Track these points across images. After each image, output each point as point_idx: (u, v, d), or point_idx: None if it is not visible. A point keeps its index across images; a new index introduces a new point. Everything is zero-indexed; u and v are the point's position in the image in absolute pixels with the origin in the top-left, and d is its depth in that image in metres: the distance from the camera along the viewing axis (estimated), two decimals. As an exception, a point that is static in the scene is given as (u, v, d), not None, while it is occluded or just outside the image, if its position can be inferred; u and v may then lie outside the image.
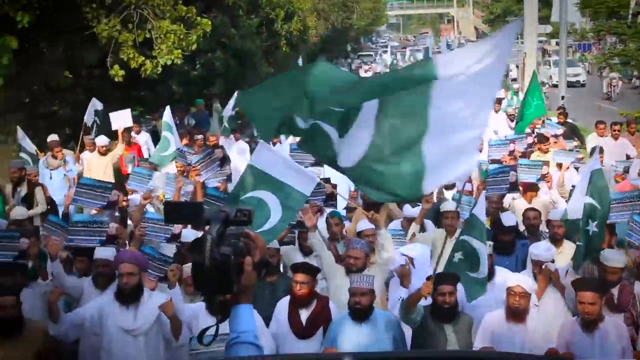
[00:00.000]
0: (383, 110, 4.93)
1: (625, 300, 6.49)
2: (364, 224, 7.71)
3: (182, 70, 17.91)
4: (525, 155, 11.86)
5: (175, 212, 2.66)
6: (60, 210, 10.64)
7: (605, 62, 22.72)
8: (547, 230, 8.38)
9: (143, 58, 11.45)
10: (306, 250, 7.56)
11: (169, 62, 11.40)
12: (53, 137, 12.94)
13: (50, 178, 12.22)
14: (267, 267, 6.61)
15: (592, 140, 13.64)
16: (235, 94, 17.16)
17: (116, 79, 11.80)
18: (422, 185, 4.99)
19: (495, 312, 6.34)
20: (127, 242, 7.78)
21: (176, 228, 7.81)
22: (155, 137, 15.95)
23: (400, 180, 5.07)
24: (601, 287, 6.14)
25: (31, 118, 18.48)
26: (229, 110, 16.57)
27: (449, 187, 10.26)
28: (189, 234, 7.61)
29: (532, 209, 8.78)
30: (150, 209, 9.16)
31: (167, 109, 12.74)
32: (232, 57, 18.78)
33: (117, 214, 8.83)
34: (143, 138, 15.66)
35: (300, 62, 21.63)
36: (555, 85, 29.59)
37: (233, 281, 2.46)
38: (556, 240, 7.68)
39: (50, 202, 11.11)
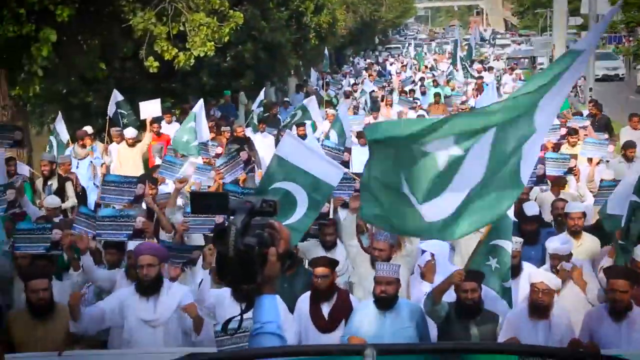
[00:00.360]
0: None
1: None
2: None
3: (212, 63, 18.22)
4: (558, 147, 11.76)
5: (201, 202, 2.70)
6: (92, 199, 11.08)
7: (635, 53, 22.63)
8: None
9: (177, 50, 11.76)
10: (327, 245, 7.58)
11: (202, 54, 11.71)
12: (85, 129, 13.30)
13: (77, 167, 12.46)
14: (292, 259, 6.43)
15: (625, 133, 13.45)
16: (263, 89, 17.63)
17: (150, 70, 12.12)
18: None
19: (518, 307, 6.35)
20: (153, 235, 7.78)
21: (219, 218, 7.72)
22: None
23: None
24: (634, 276, 6.08)
25: (66, 109, 19.01)
26: (257, 104, 16.91)
27: None
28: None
29: (561, 199, 8.73)
30: (179, 201, 9.28)
31: (201, 101, 13.03)
32: (262, 49, 19.04)
33: (144, 206, 8.84)
34: (174, 128, 15.63)
35: (326, 53, 21.94)
36: (598, 79, 28.95)
37: (257, 271, 2.46)
38: (575, 233, 7.63)
39: (81, 191, 11.29)
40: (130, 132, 13.31)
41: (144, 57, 12.09)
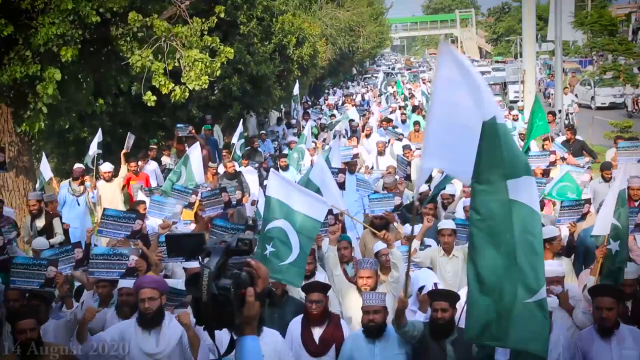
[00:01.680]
0: None
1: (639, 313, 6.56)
2: (380, 244, 7.78)
3: (201, 96, 19.03)
4: (547, 173, 11.89)
5: (176, 244, 2.61)
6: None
7: (599, 77, 23.81)
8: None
9: (173, 84, 12.56)
10: (306, 275, 7.37)
11: (197, 88, 12.51)
12: (78, 166, 13.67)
13: (78, 204, 12.90)
14: (271, 297, 6.76)
15: (610, 155, 13.70)
16: (241, 121, 18.04)
17: (149, 104, 12.86)
18: None
19: None
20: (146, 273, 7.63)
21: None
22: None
23: None
24: (619, 293, 6.15)
25: (62, 145, 19.71)
26: (237, 137, 17.18)
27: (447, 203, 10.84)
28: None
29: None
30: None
31: (197, 144, 13.47)
32: (248, 81, 19.84)
33: (138, 241, 8.90)
34: (151, 167, 16.04)
35: (297, 85, 22.68)
36: (604, 107, 28.73)
37: (234, 314, 2.38)
38: (553, 255, 7.81)
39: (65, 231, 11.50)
40: (105, 167, 13.73)
41: (142, 92, 12.81)
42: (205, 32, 12.90)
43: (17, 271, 7.11)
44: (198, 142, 14.52)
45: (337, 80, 49.79)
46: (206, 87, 12.70)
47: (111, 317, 6.74)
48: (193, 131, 16.99)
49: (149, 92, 12.69)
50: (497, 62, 67.50)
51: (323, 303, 6.47)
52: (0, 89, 12.00)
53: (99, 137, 14.93)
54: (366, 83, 52.90)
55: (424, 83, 37.58)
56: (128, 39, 12.52)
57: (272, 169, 8.37)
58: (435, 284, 7.01)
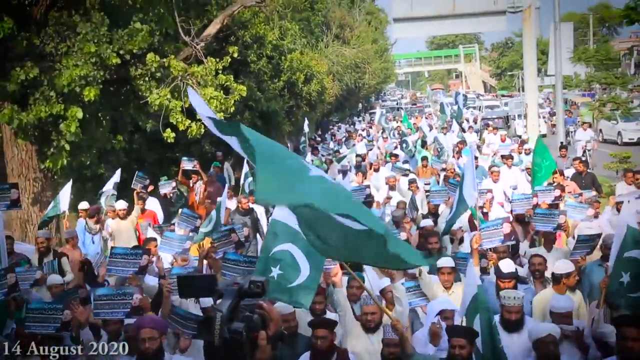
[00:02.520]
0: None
1: None
2: (385, 281, 7.76)
3: (209, 132, 19.68)
4: (556, 207, 11.67)
5: (189, 286, 2.62)
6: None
7: (598, 109, 24.43)
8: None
9: (189, 121, 13.17)
10: (316, 314, 7.47)
11: (212, 124, 13.11)
12: (83, 205, 13.77)
13: (93, 242, 13.00)
14: (282, 340, 6.80)
15: (620, 188, 13.82)
16: (245, 159, 18.42)
17: (168, 140, 13.45)
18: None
19: None
20: (151, 311, 7.77)
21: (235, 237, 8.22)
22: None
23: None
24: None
25: (79, 181, 20.31)
26: (244, 176, 17.18)
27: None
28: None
29: (537, 255, 8.90)
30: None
31: (224, 197, 13.03)
32: (258, 117, 20.52)
33: (146, 279, 8.97)
34: (152, 204, 15.91)
35: (306, 125, 23.09)
36: (632, 143, 27.04)
37: (246, 357, 2.37)
38: (567, 289, 7.83)
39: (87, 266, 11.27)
40: (120, 205, 13.68)
41: (159, 129, 13.41)
42: (220, 71, 13.54)
43: (33, 316, 7.02)
44: (226, 189, 14.66)
45: (344, 115, 50.57)
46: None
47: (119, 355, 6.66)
48: (198, 165, 17.14)
49: (169, 129, 13.27)
50: (502, 96, 68.10)
51: (329, 339, 6.53)
52: (25, 128, 12.53)
53: (116, 177, 15.13)
54: (371, 118, 53.67)
55: (426, 118, 38.02)
56: (146, 78, 13.14)
57: None
58: (453, 311, 7.13)
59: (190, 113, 13.50)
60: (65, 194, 13.04)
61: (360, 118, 54.40)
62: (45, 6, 12.76)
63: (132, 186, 14.90)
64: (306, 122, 23.14)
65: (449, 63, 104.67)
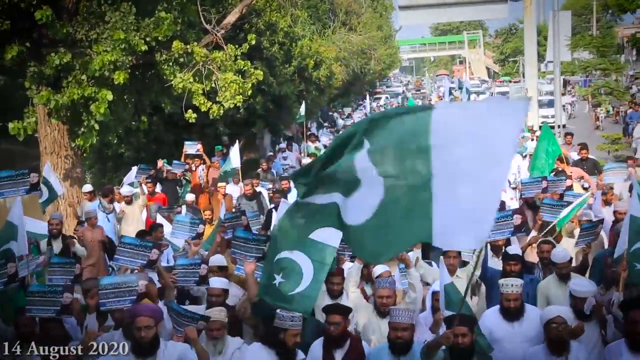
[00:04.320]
0: (380, 163, 4.83)
1: None
2: (381, 267, 7.69)
3: (227, 114, 20.73)
4: (562, 197, 11.49)
5: None
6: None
7: (592, 94, 25.37)
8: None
9: (210, 103, 14.21)
10: (334, 294, 7.45)
11: (232, 106, 14.17)
12: (87, 188, 14.08)
13: (108, 221, 13.20)
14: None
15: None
16: (237, 142, 17.91)
17: (190, 121, 14.50)
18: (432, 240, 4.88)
19: (533, 349, 6.42)
20: (158, 299, 7.65)
21: (203, 270, 8.02)
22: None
23: (409, 240, 5.08)
24: None
25: (101, 160, 21.43)
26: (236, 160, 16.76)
27: None
28: (217, 281, 7.56)
29: (546, 241, 8.89)
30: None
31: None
32: (271, 101, 21.61)
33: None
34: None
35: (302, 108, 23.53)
36: None
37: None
38: (563, 277, 7.77)
39: (108, 243, 11.86)
40: (125, 190, 14.00)
41: (182, 110, 14.46)
42: (238, 57, 14.56)
43: (33, 299, 6.95)
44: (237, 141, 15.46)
45: (348, 100, 51.41)
46: (240, 105, 14.28)
47: (119, 338, 6.63)
48: (201, 149, 17.46)
49: (190, 110, 14.30)
50: (509, 82, 68.56)
51: (342, 325, 6.48)
52: (59, 108, 13.54)
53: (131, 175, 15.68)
54: (377, 104, 54.40)
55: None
56: (170, 63, 14.15)
57: (283, 199, 8.27)
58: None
59: (210, 95, 14.56)
60: (49, 175, 12.57)
61: (367, 101, 54.98)
62: (77, -4, 13.76)
63: (134, 178, 15.00)
64: (303, 106, 23.25)
65: (453, 49, 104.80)
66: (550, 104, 29.26)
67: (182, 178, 16.73)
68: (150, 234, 10.85)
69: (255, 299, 6.87)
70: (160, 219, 12.65)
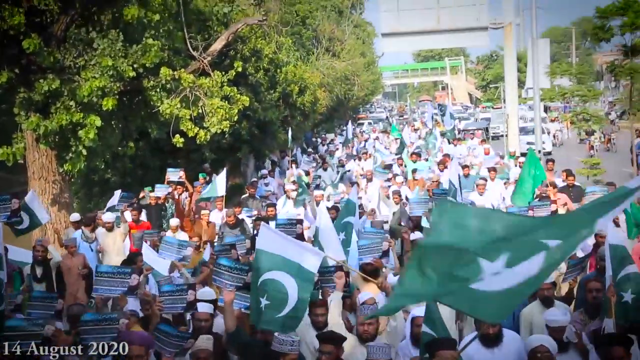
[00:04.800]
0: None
1: None
2: (365, 295, 7.73)
3: (213, 139, 20.92)
4: None
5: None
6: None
7: (571, 119, 25.93)
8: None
9: (197, 128, 14.44)
10: (319, 326, 7.41)
11: (218, 131, 14.40)
12: (74, 217, 13.88)
13: (91, 250, 12.98)
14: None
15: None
16: (224, 170, 17.78)
17: (177, 145, 14.70)
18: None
19: None
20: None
21: (190, 295, 8.12)
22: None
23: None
24: (629, 342, 6.09)
25: (87, 185, 21.52)
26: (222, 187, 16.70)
27: None
28: (204, 306, 7.62)
29: None
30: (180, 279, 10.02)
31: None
32: (255, 126, 21.87)
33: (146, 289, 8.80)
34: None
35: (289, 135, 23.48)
36: None
37: None
38: (546, 302, 7.78)
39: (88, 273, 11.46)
40: (107, 217, 13.65)
41: (170, 135, 14.67)
42: (225, 83, 14.83)
43: (10, 335, 6.56)
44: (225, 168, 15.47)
45: (332, 126, 51.82)
46: (227, 130, 14.51)
47: None
48: (183, 176, 17.45)
49: (177, 135, 14.52)
50: (491, 107, 69.41)
51: (333, 355, 6.44)
52: (47, 134, 13.68)
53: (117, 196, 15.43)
54: (360, 130, 54.69)
55: (416, 129, 38.82)
56: (158, 89, 14.38)
57: (263, 223, 8.06)
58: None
59: (196, 120, 14.79)
60: (38, 207, 12.72)
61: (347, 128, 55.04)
62: (65, 24, 13.99)
63: (116, 207, 14.78)
64: (289, 133, 23.47)
65: (435, 75, 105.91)
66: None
67: (165, 202, 16.53)
68: (135, 262, 10.54)
69: (232, 329, 6.94)
70: (144, 245, 12.02)
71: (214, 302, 8.03)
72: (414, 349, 7.01)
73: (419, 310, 7.13)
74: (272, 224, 13.06)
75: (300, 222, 11.28)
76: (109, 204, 15.74)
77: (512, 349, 6.69)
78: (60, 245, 13.40)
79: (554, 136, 38.41)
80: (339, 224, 10.46)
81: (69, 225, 14.49)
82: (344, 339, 6.70)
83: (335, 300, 7.89)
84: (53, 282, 11.25)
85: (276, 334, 6.50)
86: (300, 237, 10.77)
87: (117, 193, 15.34)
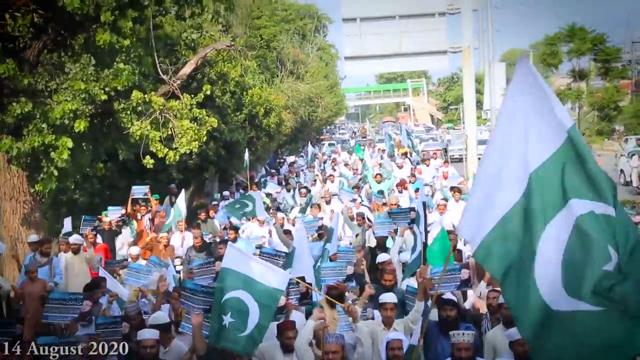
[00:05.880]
0: None
1: None
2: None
3: (180, 160, 21.34)
4: None
5: None
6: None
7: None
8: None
9: (167, 149, 14.90)
10: (287, 349, 7.43)
11: (187, 152, 14.88)
12: (33, 238, 13.86)
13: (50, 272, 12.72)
14: None
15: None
16: (182, 192, 18.16)
17: (148, 166, 15.11)
18: None
19: None
20: None
21: (124, 328, 8.01)
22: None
23: None
24: None
25: (54, 206, 21.71)
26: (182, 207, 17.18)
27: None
28: (145, 332, 7.52)
29: (495, 290, 8.75)
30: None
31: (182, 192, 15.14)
32: (222, 147, 22.39)
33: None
34: (125, 236, 16.41)
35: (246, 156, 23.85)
36: None
37: None
38: (509, 323, 7.50)
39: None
40: (73, 239, 13.68)
41: (140, 156, 15.09)
42: (194, 106, 15.34)
43: None
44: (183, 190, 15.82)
45: (296, 147, 52.41)
46: (195, 150, 15.00)
47: None
48: (149, 193, 17.53)
49: (148, 157, 14.95)
50: (453, 129, 70.63)
51: None
52: (19, 156, 13.99)
53: (67, 224, 15.88)
54: (321, 151, 55.24)
55: (379, 150, 39.29)
56: (129, 112, 14.80)
57: (230, 243, 8.30)
58: (399, 340, 7.16)
59: (166, 142, 15.25)
60: None
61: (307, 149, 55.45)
62: (38, 49, 14.38)
63: (80, 230, 14.81)
64: (246, 154, 23.61)
65: (398, 96, 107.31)
66: None
67: (116, 226, 16.49)
68: (99, 287, 10.52)
69: (202, 352, 7.12)
70: (102, 273, 11.92)
71: (168, 325, 8.04)
72: None
73: (394, 334, 7.34)
74: (242, 245, 13.70)
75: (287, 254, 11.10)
76: (64, 230, 15.80)
77: None
78: (18, 268, 13.42)
79: None
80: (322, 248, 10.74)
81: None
82: None
83: (307, 327, 7.76)
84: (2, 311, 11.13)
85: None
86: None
87: (67, 221, 15.67)
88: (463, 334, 6.78)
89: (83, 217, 15.41)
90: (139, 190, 17.41)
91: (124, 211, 16.86)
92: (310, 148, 38.50)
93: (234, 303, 6.39)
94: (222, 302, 6.49)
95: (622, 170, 31.63)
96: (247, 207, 18.23)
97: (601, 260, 4.26)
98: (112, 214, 16.63)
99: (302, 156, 43.98)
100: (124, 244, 16.21)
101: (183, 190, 18.34)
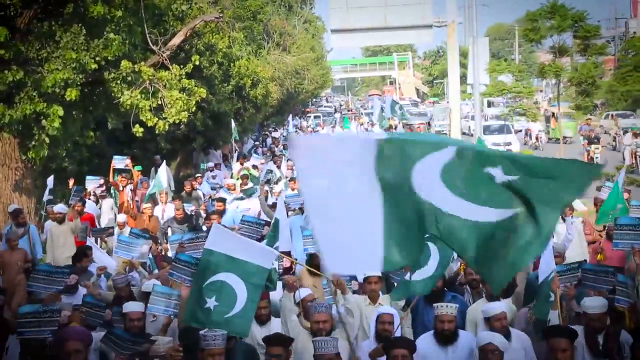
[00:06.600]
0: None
1: (611, 346, 6.43)
2: (304, 291, 7.64)
3: (168, 130, 21.64)
4: None
5: None
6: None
7: (509, 114, 27.43)
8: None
9: (157, 119, 15.22)
10: (262, 319, 7.44)
11: (177, 121, 15.22)
12: (15, 206, 13.90)
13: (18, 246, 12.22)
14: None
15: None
16: (164, 163, 17.85)
17: (137, 135, 15.44)
18: None
19: None
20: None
21: (107, 314, 7.87)
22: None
23: None
24: (573, 333, 6.03)
25: (44, 174, 21.96)
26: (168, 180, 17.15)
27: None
28: (131, 305, 7.44)
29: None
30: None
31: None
32: (210, 118, 22.71)
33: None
34: (108, 204, 16.63)
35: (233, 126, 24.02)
36: None
37: None
38: (492, 298, 7.56)
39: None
40: (57, 208, 13.64)
41: (131, 125, 15.41)
42: (183, 76, 15.64)
43: None
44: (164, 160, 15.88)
45: (282, 119, 52.70)
46: (185, 120, 15.34)
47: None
48: (130, 164, 17.73)
49: (137, 125, 15.27)
50: (439, 102, 70.97)
51: (283, 357, 6.33)
52: (11, 123, 14.27)
53: (50, 184, 16.14)
54: (307, 123, 55.62)
55: (361, 124, 39.78)
56: (119, 81, 15.09)
57: (215, 223, 8.17)
58: (390, 314, 7.04)
59: (156, 111, 15.56)
60: None
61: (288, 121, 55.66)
62: (29, 17, 14.58)
63: (70, 201, 14.89)
64: (232, 124, 23.65)
65: (384, 70, 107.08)
66: (502, 130, 29.28)
67: (100, 196, 16.65)
68: (87, 255, 10.48)
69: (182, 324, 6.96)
70: (89, 242, 11.98)
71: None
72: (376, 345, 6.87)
73: (385, 308, 7.24)
74: (230, 217, 14.04)
75: (268, 224, 11.03)
76: (45, 197, 16.01)
77: (467, 348, 6.65)
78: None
79: (536, 137, 35.18)
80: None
81: (32, 208, 15.04)
82: (292, 340, 6.69)
83: (287, 300, 7.84)
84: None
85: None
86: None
87: (50, 180, 15.92)
88: (447, 305, 6.77)
89: (73, 188, 15.48)
90: (119, 160, 17.61)
91: (102, 181, 17.00)
92: (291, 120, 38.72)
93: (219, 286, 6.17)
94: (207, 284, 6.22)
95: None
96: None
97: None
98: (90, 184, 16.85)
99: (286, 127, 44.30)
100: (106, 213, 16.50)
101: (164, 161, 18.23)
